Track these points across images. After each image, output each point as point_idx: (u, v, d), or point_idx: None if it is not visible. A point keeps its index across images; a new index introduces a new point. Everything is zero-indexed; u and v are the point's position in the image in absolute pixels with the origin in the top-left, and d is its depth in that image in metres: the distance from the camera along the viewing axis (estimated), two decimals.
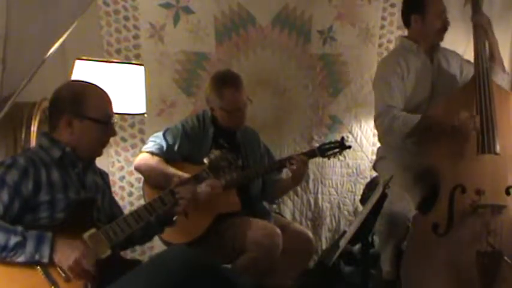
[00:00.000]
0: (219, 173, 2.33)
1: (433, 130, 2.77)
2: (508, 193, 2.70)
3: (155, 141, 2.93)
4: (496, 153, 2.70)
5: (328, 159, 3.12)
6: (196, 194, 2.25)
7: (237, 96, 2.91)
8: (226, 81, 2.91)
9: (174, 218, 2.28)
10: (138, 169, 2.97)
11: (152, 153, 2.90)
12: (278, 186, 3.14)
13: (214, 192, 2.75)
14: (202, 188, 2.69)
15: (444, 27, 2.99)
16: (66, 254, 1.83)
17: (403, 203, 2.77)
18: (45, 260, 1.81)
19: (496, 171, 2.71)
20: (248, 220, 2.83)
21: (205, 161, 2.34)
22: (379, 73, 3.07)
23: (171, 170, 2.80)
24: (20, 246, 1.79)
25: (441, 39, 3.03)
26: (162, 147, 2.90)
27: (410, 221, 2.75)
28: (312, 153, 3.05)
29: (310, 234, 3.09)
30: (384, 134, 2.96)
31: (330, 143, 3.10)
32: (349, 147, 3.14)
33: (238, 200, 2.90)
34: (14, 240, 1.78)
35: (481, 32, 2.91)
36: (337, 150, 3.08)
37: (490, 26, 2.95)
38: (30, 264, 1.81)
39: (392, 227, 2.80)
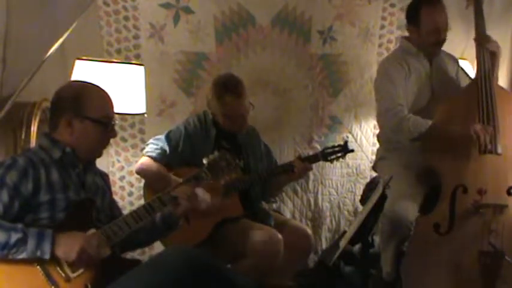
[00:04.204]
0: (218, 173, 2.32)
1: (443, 138, 2.77)
2: (509, 193, 2.70)
3: (157, 144, 2.91)
4: (497, 154, 2.70)
5: (331, 163, 3.12)
6: (194, 195, 2.22)
7: (238, 103, 2.89)
8: (227, 88, 2.89)
9: (180, 223, 2.26)
10: (138, 174, 2.97)
11: (153, 158, 2.89)
12: (275, 185, 3.14)
13: (213, 202, 2.76)
14: (200, 194, 2.69)
15: (438, 42, 2.97)
16: (69, 246, 1.83)
17: (405, 203, 2.77)
18: (47, 256, 1.81)
19: (497, 172, 2.71)
20: (250, 225, 2.82)
21: (204, 161, 2.33)
22: (382, 72, 3.05)
23: (172, 177, 2.79)
24: (21, 243, 1.79)
25: (437, 51, 3.02)
26: (165, 151, 2.89)
27: (412, 223, 2.74)
28: (314, 158, 3.05)
29: (309, 230, 3.10)
30: (390, 131, 2.94)
31: (333, 146, 3.10)
32: (352, 150, 3.13)
33: (240, 205, 2.90)
34: (15, 237, 1.78)
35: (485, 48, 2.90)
36: (340, 154, 3.07)
37: (499, 51, 2.94)
38: (31, 262, 1.81)
39: (395, 228, 2.79)
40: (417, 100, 2.96)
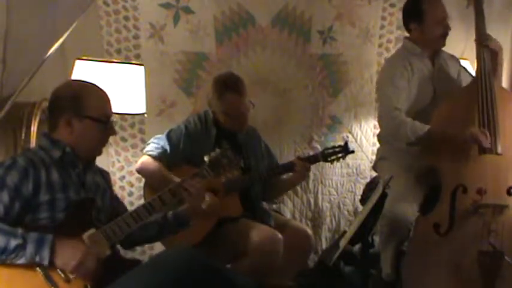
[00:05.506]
0: (219, 170, 2.32)
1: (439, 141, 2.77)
2: (509, 193, 2.70)
3: (158, 143, 2.91)
4: (497, 154, 2.70)
5: (331, 163, 3.12)
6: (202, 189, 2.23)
7: (239, 101, 2.89)
8: (228, 86, 2.89)
9: (191, 222, 2.28)
10: (139, 172, 2.98)
11: (154, 157, 2.89)
12: (278, 187, 3.14)
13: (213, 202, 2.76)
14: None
15: (445, 33, 2.97)
16: (67, 258, 1.83)
17: (405, 204, 2.77)
18: (45, 262, 1.81)
19: (497, 172, 2.70)
20: (249, 225, 2.82)
21: (206, 158, 2.33)
22: (385, 74, 3.05)
23: (173, 177, 2.79)
24: (20, 248, 1.79)
25: (443, 45, 3.01)
26: (165, 150, 2.89)
27: (412, 224, 2.74)
28: (315, 159, 3.05)
29: (309, 230, 3.09)
30: (389, 136, 2.94)
31: (334, 147, 3.09)
32: (352, 151, 3.13)
33: (240, 204, 2.90)
34: (14, 242, 1.78)
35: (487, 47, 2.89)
36: (340, 155, 3.07)
37: (501, 51, 2.93)
38: (31, 265, 1.81)
39: (394, 228, 2.79)
40: (419, 100, 2.96)
